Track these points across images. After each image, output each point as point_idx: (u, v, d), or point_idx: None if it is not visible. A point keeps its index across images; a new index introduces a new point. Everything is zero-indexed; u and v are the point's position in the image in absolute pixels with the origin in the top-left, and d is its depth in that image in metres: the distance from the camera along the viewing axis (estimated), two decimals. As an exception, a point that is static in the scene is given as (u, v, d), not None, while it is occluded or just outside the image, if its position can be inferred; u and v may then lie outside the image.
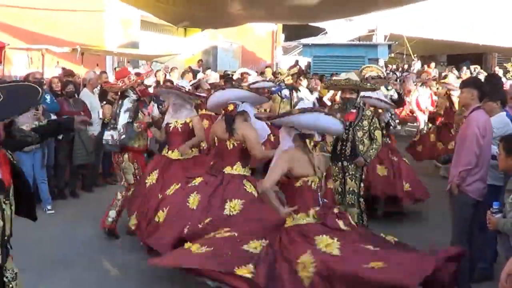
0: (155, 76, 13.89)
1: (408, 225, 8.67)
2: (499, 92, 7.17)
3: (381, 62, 23.32)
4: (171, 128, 7.67)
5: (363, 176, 7.59)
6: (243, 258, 4.80)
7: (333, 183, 7.59)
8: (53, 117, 8.85)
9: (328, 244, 4.74)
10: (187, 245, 5.31)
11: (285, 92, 11.95)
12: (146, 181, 7.39)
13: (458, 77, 17.56)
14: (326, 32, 27.47)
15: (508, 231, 4.53)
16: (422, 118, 15.81)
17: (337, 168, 7.54)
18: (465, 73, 23.31)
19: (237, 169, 6.53)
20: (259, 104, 9.08)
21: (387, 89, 11.43)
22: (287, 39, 31.36)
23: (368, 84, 8.07)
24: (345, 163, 7.45)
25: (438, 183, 10.12)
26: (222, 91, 6.71)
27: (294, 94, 12.08)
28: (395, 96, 10.41)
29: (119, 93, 7.91)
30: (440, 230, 7.25)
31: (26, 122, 5.50)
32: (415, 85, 17.72)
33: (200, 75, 13.17)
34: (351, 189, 7.43)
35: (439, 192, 8.15)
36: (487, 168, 5.91)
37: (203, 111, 12.06)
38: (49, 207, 9.20)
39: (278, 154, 5.23)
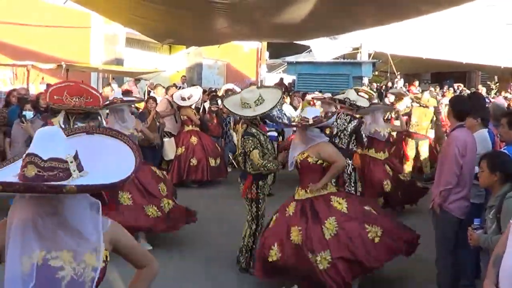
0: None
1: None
2: (482, 109, 7.08)
3: (365, 80, 23.48)
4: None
5: None
6: None
7: None
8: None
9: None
10: None
11: None
12: None
13: (432, 96, 17.33)
14: (311, 50, 27.58)
15: (489, 247, 4.55)
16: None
17: None
18: (448, 91, 23.53)
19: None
20: None
21: None
22: (272, 56, 31.44)
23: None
24: None
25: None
26: None
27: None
28: None
29: None
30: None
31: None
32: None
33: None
34: None
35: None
36: (470, 187, 5.84)
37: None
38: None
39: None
